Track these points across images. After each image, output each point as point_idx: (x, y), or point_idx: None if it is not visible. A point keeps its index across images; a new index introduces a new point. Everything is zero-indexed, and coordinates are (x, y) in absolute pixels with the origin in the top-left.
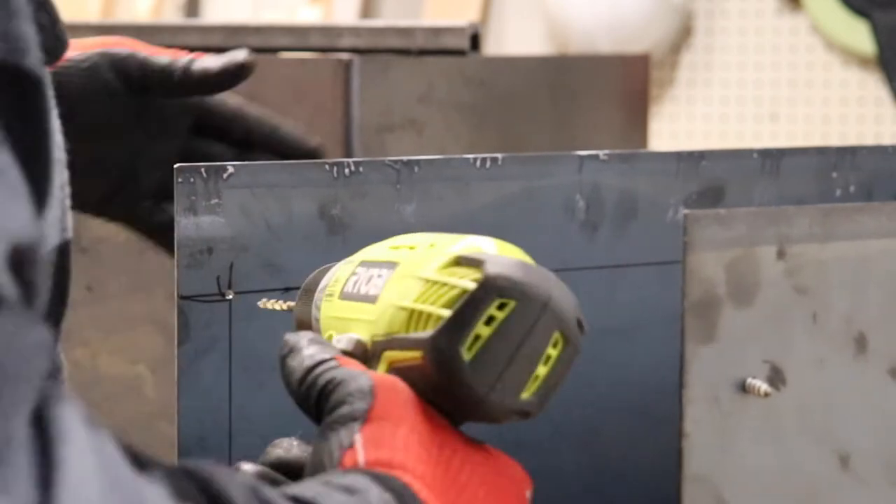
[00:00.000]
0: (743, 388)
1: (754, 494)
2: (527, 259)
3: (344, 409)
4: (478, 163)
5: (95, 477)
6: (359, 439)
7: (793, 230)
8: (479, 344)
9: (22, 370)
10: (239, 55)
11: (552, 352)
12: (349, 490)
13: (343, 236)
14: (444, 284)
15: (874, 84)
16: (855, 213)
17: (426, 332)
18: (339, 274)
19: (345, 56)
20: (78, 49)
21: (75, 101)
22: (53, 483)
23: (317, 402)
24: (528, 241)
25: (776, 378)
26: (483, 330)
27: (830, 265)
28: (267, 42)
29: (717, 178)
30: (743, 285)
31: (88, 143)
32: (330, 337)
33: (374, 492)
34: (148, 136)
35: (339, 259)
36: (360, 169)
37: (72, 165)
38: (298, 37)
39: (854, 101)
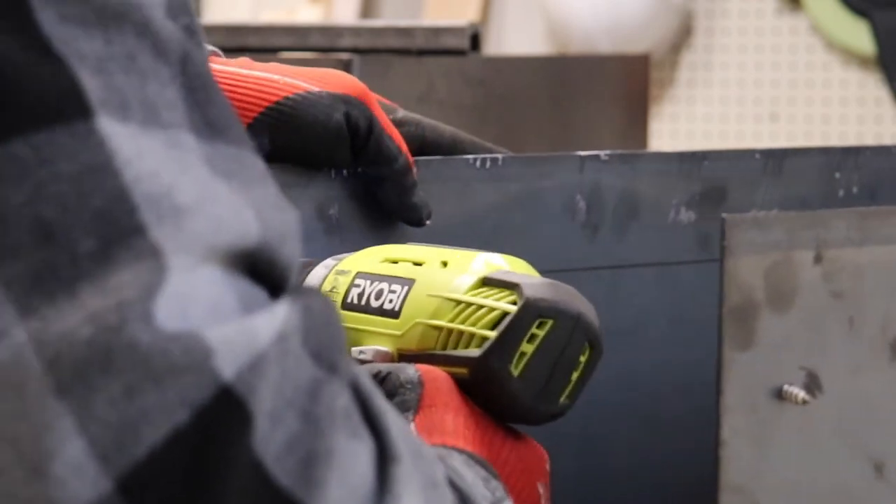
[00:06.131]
0: (780, 395)
1: (790, 503)
2: (534, 273)
3: (395, 400)
4: (478, 163)
5: (400, 430)
6: (413, 429)
7: (830, 234)
8: (524, 360)
9: (337, 339)
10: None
11: (582, 359)
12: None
13: (341, 237)
14: (482, 307)
15: (874, 84)
16: (891, 217)
17: (473, 352)
18: (334, 284)
19: (345, 56)
20: (306, 77)
21: (299, 129)
22: (381, 431)
23: None
24: (529, 243)
25: (813, 385)
26: (527, 347)
27: (867, 269)
28: (267, 42)
29: (719, 178)
30: (780, 290)
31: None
32: None
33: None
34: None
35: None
36: (359, 169)
37: None
38: (298, 37)
39: (854, 101)
